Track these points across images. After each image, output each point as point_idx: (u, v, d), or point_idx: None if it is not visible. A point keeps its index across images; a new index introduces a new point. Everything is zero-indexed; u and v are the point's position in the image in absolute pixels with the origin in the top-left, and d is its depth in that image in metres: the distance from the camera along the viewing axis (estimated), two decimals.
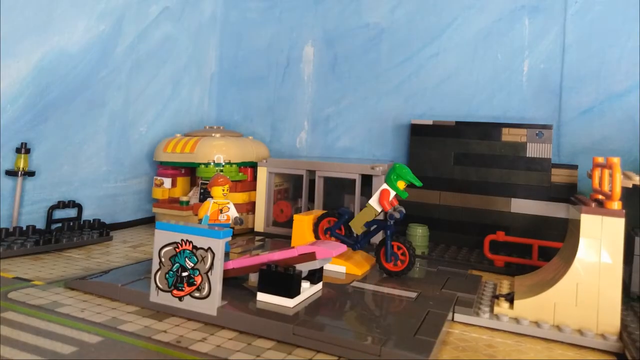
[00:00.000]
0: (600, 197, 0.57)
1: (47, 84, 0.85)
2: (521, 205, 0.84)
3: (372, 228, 0.70)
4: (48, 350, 0.43)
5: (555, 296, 0.53)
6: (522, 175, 0.85)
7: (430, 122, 0.94)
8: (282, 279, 0.53)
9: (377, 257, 0.68)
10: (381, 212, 0.68)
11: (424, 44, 1.02)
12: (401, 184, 0.66)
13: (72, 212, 0.89)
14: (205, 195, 0.86)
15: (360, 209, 0.88)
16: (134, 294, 0.56)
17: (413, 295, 0.60)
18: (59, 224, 0.83)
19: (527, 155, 0.85)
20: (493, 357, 0.47)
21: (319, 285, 0.59)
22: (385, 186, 0.67)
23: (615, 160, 0.53)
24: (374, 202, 0.67)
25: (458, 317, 0.56)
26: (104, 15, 0.94)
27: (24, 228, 0.78)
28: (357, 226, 0.69)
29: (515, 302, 0.55)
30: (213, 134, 1.00)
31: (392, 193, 0.67)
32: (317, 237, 0.72)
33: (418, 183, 0.66)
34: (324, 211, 0.79)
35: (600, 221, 0.53)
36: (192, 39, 1.16)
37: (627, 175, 0.65)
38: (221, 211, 0.73)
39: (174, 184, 1.00)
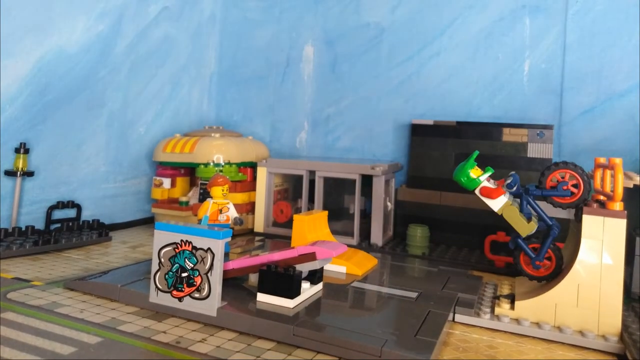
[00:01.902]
0: (601, 197, 0.57)
1: (46, 84, 0.85)
2: None
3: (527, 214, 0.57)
4: (47, 350, 0.43)
5: (556, 297, 0.53)
6: (523, 175, 0.85)
7: (431, 122, 0.93)
8: (282, 280, 0.53)
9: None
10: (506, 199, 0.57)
11: (424, 44, 1.02)
12: (476, 171, 0.58)
13: (71, 213, 0.88)
14: (204, 195, 0.85)
15: (361, 210, 0.88)
16: (133, 294, 0.56)
17: (413, 295, 0.60)
18: (58, 225, 0.83)
19: (528, 156, 0.85)
20: (494, 357, 0.47)
21: (319, 286, 0.59)
22: (477, 189, 0.58)
23: (618, 161, 0.53)
24: (496, 205, 0.57)
25: (459, 317, 0.56)
26: (103, 15, 0.93)
27: (23, 228, 0.78)
28: (526, 227, 0.56)
29: (516, 303, 0.55)
30: (212, 134, 1.00)
31: (486, 181, 0.57)
32: (535, 278, 0.58)
33: (475, 154, 0.59)
34: (325, 212, 0.79)
35: (602, 222, 0.53)
36: (192, 39, 1.16)
37: (628, 175, 0.65)
38: (221, 211, 0.73)
39: (173, 184, 0.99)
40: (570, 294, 0.53)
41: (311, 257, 0.55)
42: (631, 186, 0.64)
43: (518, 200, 0.58)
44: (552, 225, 0.57)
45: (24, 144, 0.81)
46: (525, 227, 0.57)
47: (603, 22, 0.88)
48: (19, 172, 0.80)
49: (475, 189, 0.58)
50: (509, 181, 0.57)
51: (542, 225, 0.57)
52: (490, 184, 0.58)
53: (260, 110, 1.19)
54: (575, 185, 0.56)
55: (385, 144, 1.05)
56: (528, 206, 0.57)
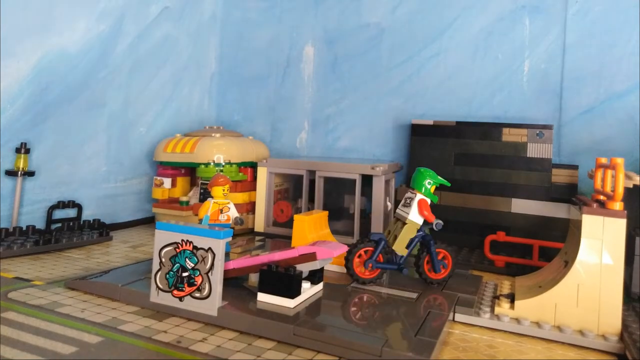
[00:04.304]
0: (601, 197, 0.57)
1: (47, 84, 0.85)
2: (522, 206, 0.84)
3: (411, 243, 0.65)
4: (48, 350, 0.43)
5: (556, 297, 0.53)
6: (522, 175, 0.85)
7: (430, 122, 0.93)
8: (283, 280, 0.53)
9: (419, 269, 0.64)
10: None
11: (424, 44, 1.02)
12: (433, 188, 0.64)
13: (71, 212, 0.88)
14: (205, 195, 0.85)
15: (361, 210, 0.88)
16: (134, 294, 0.56)
17: (414, 295, 0.60)
18: (59, 224, 0.83)
19: (528, 156, 0.85)
20: (494, 357, 0.47)
21: (320, 286, 0.59)
22: (420, 196, 0.64)
23: (619, 160, 0.53)
24: (414, 216, 0.63)
25: (459, 317, 0.56)
26: (104, 15, 0.94)
27: (24, 228, 0.78)
28: (401, 248, 0.64)
29: (516, 303, 0.55)
30: (213, 134, 1.00)
31: (429, 201, 0.64)
32: (352, 273, 0.63)
33: (447, 183, 0.65)
34: (325, 212, 0.79)
35: (602, 222, 0.53)
36: (192, 39, 1.16)
37: (628, 175, 0.65)
38: (221, 211, 0.73)
39: (173, 184, 0.99)
40: (570, 294, 0.53)
41: (312, 257, 0.55)
42: (631, 186, 0.64)
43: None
44: (400, 265, 0.64)
45: (25, 143, 0.81)
46: (401, 247, 0.64)
47: (603, 22, 0.88)
48: (19, 172, 0.80)
49: (420, 193, 0.64)
50: (441, 223, 0.64)
51: (397, 260, 0.64)
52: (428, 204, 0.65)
53: (260, 110, 1.19)
54: (445, 259, 0.65)
55: (385, 144, 1.05)
56: (417, 242, 0.65)
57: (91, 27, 0.91)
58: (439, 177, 0.65)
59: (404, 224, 0.64)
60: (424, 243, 0.65)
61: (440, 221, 0.63)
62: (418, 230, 0.64)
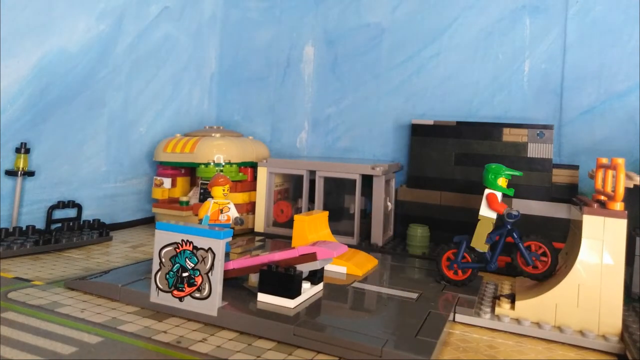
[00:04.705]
0: (602, 197, 0.57)
1: (47, 84, 0.85)
2: (522, 206, 0.83)
3: (496, 238, 0.63)
4: (48, 350, 0.43)
5: (557, 297, 0.53)
6: (523, 175, 0.85)
7: (431, 122, 0.93)
8: (283, 280, 0.53)
9: (513, 262, 0.61)
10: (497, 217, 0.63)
11: (424, 44, 1.02)
12: (502, 181, 0.63)
13: (71, 212, 0.88)
14: (205, 195, 0.85)
15: (361, 210, 0.88)
16: (134, 294, 0.56)
17: (414, 296, 0.60)
18: (59, 224, 0.83)
19: (528, 156, 0.85)
20: (494, 357, 0.47)
21: (320, 286, 0.59)
22: (488, 190, 0.63)
23: (620, 161, 0.53)
24: (484, 211, 0.63)
25: (459, 317, 0.56)
26: (104, 15, 0.94)
27: (24, 228, 0.78)
28: (480, 244, 0.63)
29: (517, 303, 0.55)
30: (213, 134, 1.00)
31: (499, 194, 0.63)
32: (444, 277, 0.65)
33: (519, 173, 0.64)
34: (325, 212, 0.79)
35: (603, 222, 0.53)
36: (192, 39, 1.16)
37: (628, 175, 0.65)
38: (221, 211, 0.73)
39: (173, 184, 0.99)
40: (570, 294, 0.53)
41: (312, 257, 0.55)
42: (631, 186, 0.64)
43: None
44: (490, 263, 0.63)
45: (25, 143, 0.81)
46: (481, 245, 0.63)
47: (603, 22, 0.88)
48: (19, 172, 0.80)
49: (486, 188, 0.64)
50: (514, 213, 0.61)
51: (484, 258, 0.63)
52: (499, 198, 0.63)
53: (260, 110, 1.19)
54: (544, 254, 0.60)
55: (385, 144, 1.05)
56: (499, 237, 0.63)
57: (91, 27, 0.91)
58: (506, 169, 0.64)
59: None
60: (512, 236, 0.62)
61: (512, 211, 0.61)
62: (500, 226, 0.62)
